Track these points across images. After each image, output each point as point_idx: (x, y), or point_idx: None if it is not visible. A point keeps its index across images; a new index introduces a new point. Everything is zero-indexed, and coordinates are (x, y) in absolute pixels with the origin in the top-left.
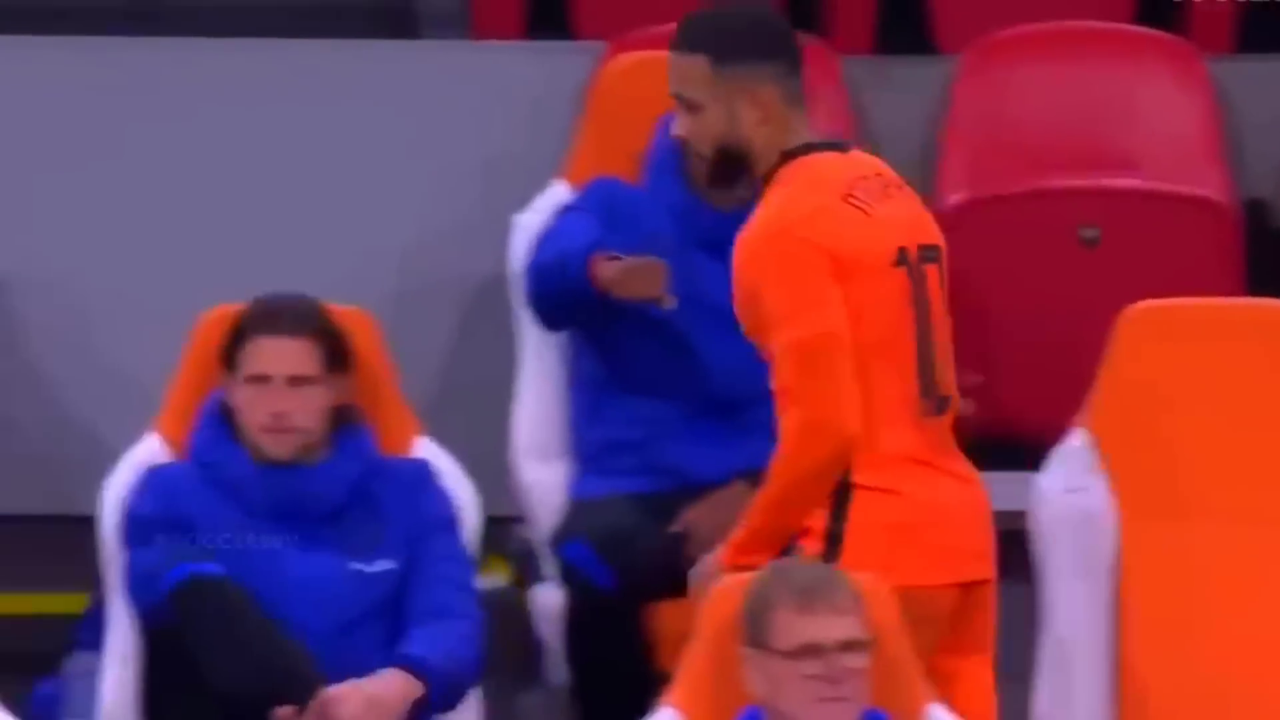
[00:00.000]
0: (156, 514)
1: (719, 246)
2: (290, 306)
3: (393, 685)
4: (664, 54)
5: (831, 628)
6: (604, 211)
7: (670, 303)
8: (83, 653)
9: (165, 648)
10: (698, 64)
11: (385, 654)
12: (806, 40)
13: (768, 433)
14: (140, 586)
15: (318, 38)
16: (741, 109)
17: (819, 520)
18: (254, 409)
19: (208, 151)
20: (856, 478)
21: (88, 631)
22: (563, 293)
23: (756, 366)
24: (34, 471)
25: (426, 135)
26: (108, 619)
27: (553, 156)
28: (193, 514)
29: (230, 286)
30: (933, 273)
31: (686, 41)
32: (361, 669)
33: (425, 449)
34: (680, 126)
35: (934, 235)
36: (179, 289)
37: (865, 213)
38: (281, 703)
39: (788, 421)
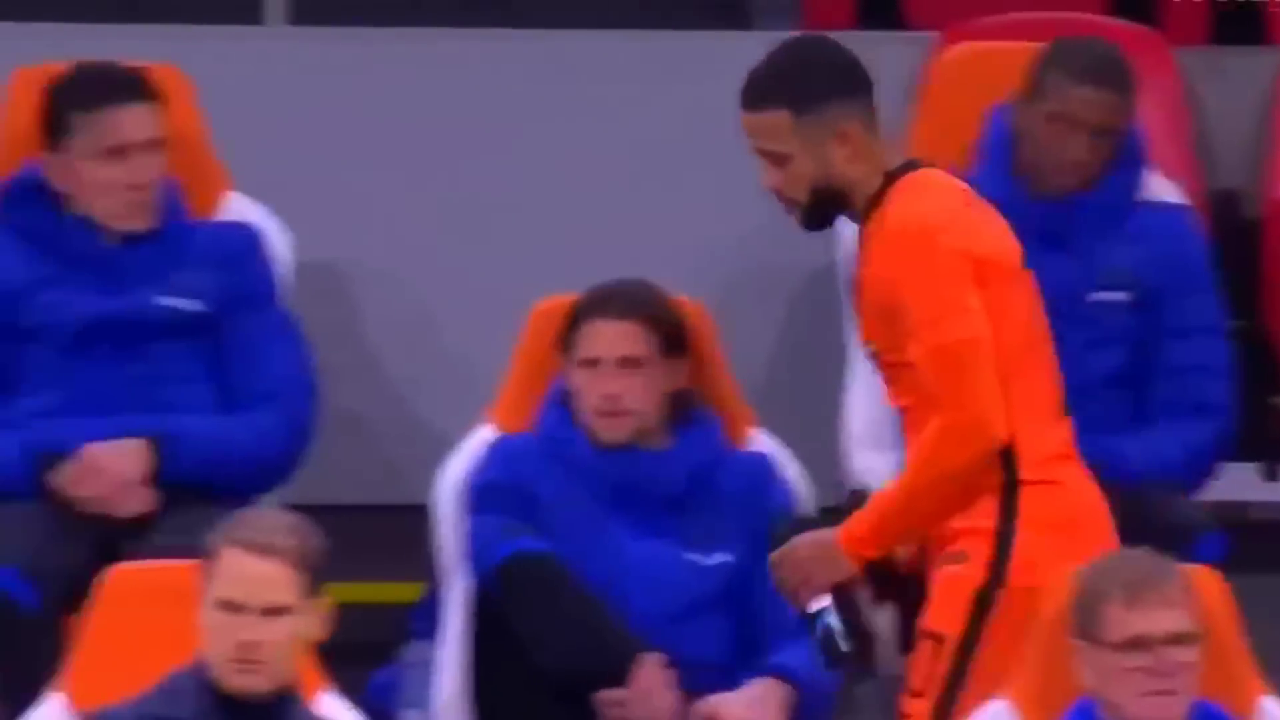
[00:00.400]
0: (501, 481)
1: (1047, 237)
2: (623, 290)
3: (769, 696)
4: (998, 45)
5: (1160, 620)
6: None
7: None
8: (418, 641)
9: (495, 622)
10: (778, 118)
11: (718, 648)
12: (1140, 31)
13: (1096, 424)
14: (478, 555)
15: (653, 29)
16: (831, 150)
17: (987, 520)
18: (587, 392)
19: (543, 142)
20: (1024, 475)
21: (423, 620)
22: None
23: (1088, 357)
24: (371, 461)
25: None
26: (443, 607)
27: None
28: (536, 485)
29: (563, 277)
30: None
31: (760, 98)
32: (691, 660)
33: (761, 441)
34: (769, 179)
35: None
36: (514, 280)
37: (988, 219)
38: (604, 678)
39: (929, 428)
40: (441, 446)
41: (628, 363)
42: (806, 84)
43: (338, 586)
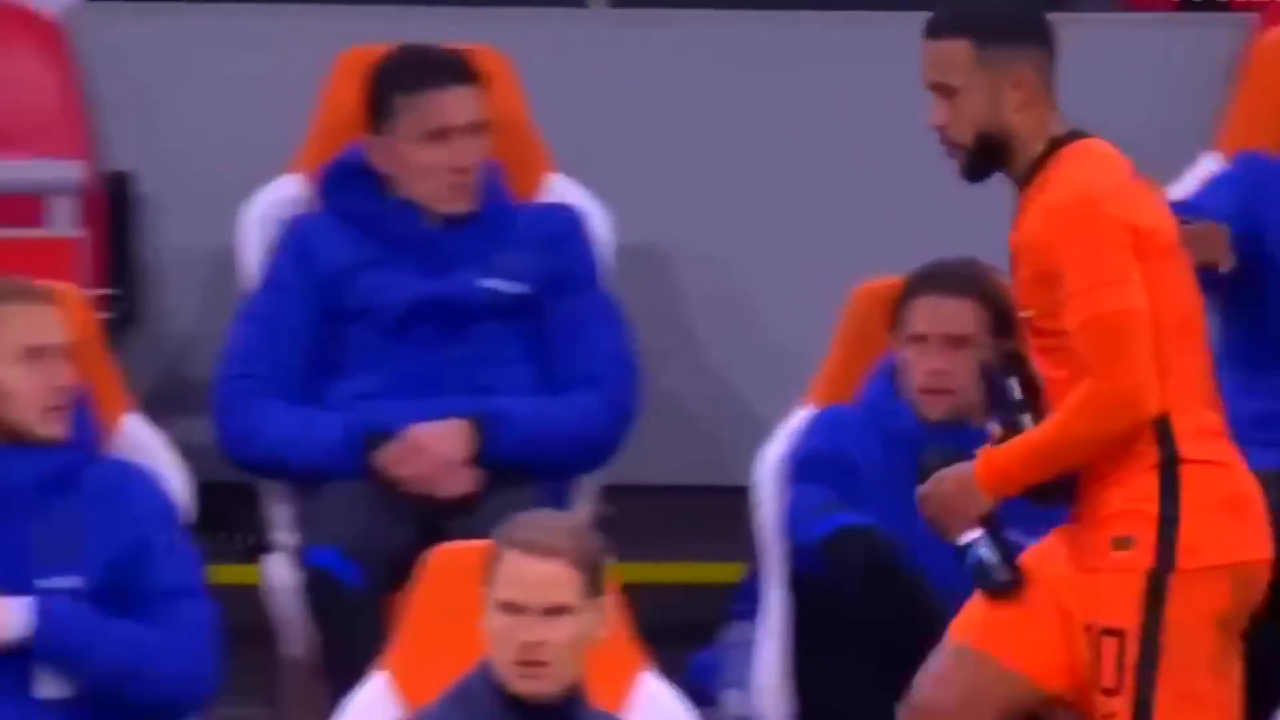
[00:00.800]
0: (822, 451)
1: None
2: (957, 268)
3: None
4: None
5: None
6: (1246, 185)
7: (1227, 264)
8: (740, 622)
9: (815, 600)
10: (960, 48)
11: None
12: None
13: None
14: (795, 523)
15: None
16: (1004, 92)
17: (1149, 502)
18: (913, 367)
19: (863, 126)
20: (1184, 452)
21: (744, 601)
22: None
23: None
24: (691, 443)
25: (1078, 106)
26: (763, 588)
27: (1201, 128)
28: (856, 456)
29: (880, 260)
30: None
31: (948, 26)
32: None
33: None
34: (937, 115)
35: None
36: (831, 263)
37: (1149, 193)
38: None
39: (1079, 390)
40: (761, 429)
41: (955, 340)
42: (994, 21)
43: (658, 567)
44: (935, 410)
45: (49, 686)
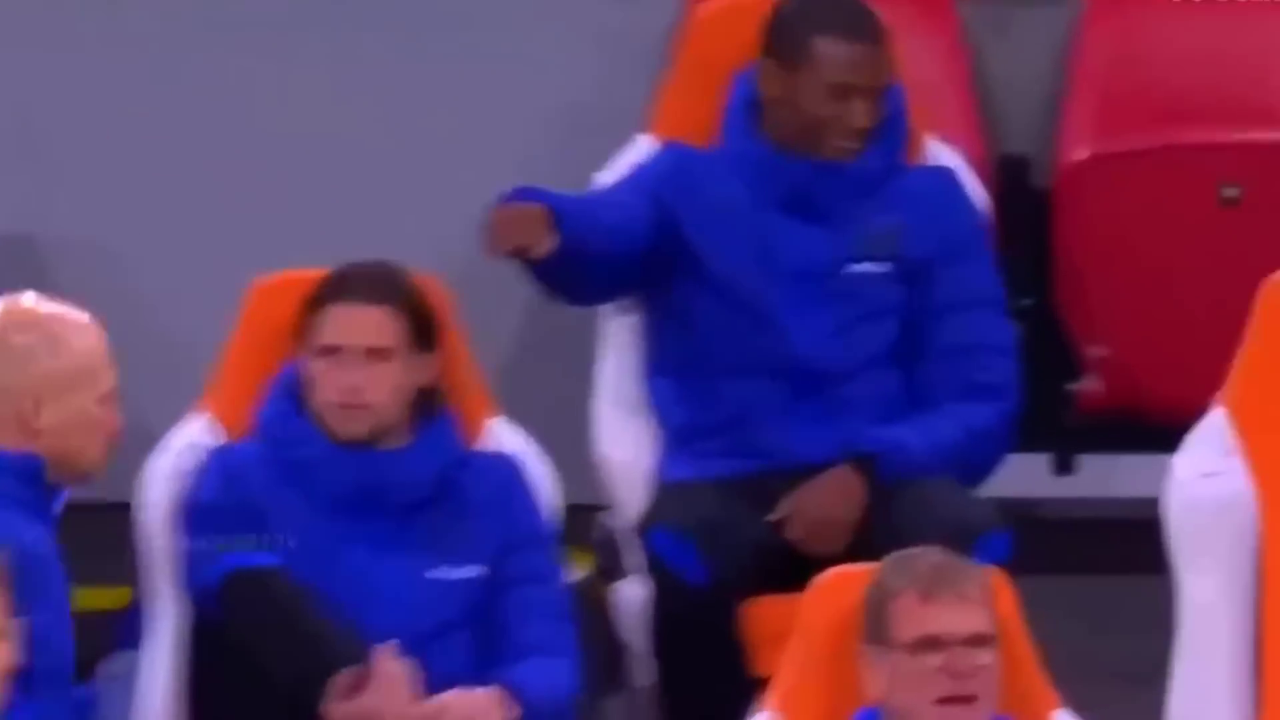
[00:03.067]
0: (220, 500)
1: (798, 204)
2: (367, 272)
3: (490, 703)
4: (752, 1)
5: (957, 620)
6: (666, 180)
7: (543, 249)
8: (124, 652)
9: (215, 642)
10: None
11: (465, 665)
12: None
13: (863, 409)
14: (194, 576)
15: None
16: None
17: None
18: (326, 382)
19: (268, 112)
20: None
21: (129, 629)
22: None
23: (843, 337)
24: None
25: (505, 85)
26: (148, 615)
27: (636, 109)
28: (261, 498)
29: (286, 253)
30: None
31: None
32: (440, 680)
33: (501, 432)
34: None
35: None
36: (229, 256)
37: None
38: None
39: None
40: (147, 439)
41: (374, 353)
42: None
43: None
44: (352, 427)
45: None
